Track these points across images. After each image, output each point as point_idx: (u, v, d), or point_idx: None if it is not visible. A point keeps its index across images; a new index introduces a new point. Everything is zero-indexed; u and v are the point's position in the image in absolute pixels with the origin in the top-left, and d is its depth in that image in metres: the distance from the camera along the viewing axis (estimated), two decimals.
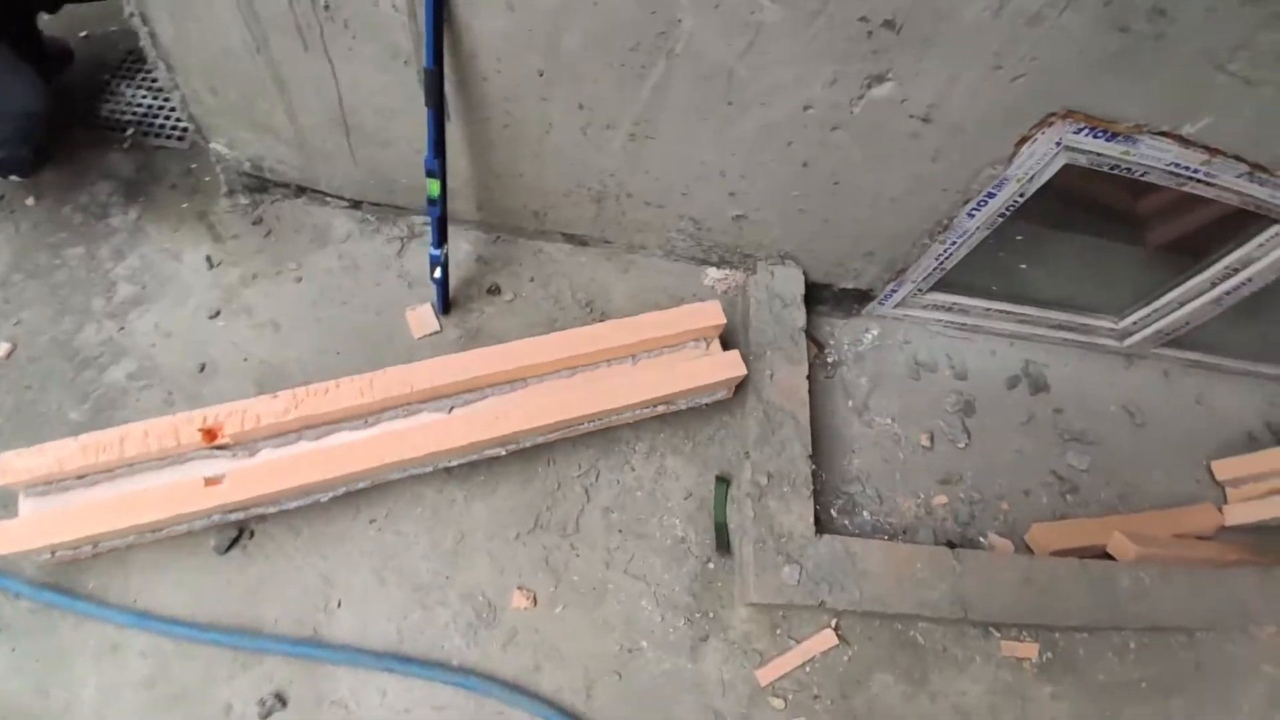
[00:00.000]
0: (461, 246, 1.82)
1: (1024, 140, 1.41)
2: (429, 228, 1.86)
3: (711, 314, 1.58)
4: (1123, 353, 2.18)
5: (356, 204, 1.82)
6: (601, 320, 1.68)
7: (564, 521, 1.52)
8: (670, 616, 1.46)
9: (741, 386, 1.66)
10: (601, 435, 1.61)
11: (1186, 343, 2.12)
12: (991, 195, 1.58)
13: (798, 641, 1.47)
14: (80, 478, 1.35)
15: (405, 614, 1.39)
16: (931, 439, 1.95)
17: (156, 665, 1.33)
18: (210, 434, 1.35)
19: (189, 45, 1.39)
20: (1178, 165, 1.42)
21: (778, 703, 1.42)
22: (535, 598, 1.43)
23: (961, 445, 1.96)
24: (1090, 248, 2.12)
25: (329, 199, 1.81)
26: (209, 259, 1.71)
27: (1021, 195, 1.58)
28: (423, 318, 1.70)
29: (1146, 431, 2.10)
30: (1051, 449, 2.02)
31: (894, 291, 1.96)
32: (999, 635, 1.57)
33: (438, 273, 1.60)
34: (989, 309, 2.06)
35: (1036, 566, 1.57)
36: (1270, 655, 1.74)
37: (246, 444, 1.39)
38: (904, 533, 1.78)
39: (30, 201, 1.70)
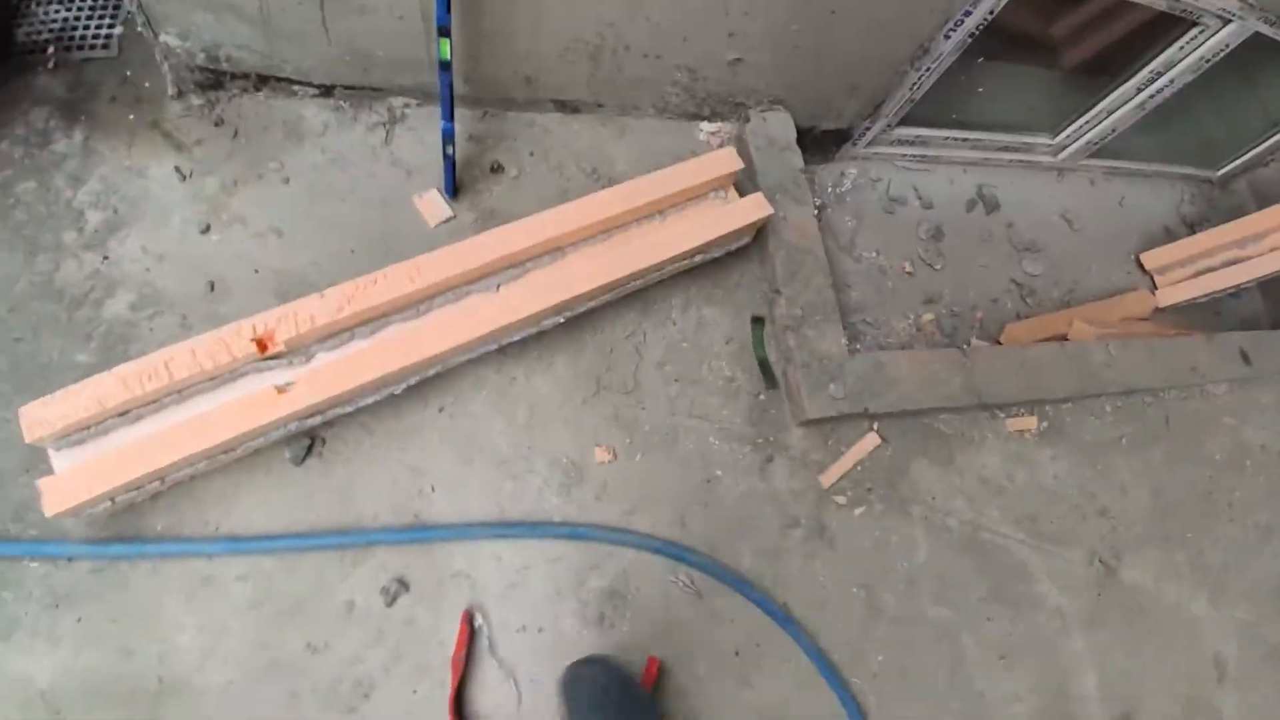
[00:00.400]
0: None
1: None
2: (409, 110, 1.75)
3: (729, 161, 1.62)
4: (1056, 167, 2.42)
5: (327, 90, 1.66)
6: (609, 186, 1.68)
7: (623, 381, 1.58)
8: (737, 446, 1.59)
9: (760, 232, 1.73)
10: (639, 298, 1.65)
11: (1108, 152, 2.37)
12: (968, 13, 1.67)
13: (847, 448, 1.65)
14: (122, 414, 1.26)
15: (498, 486, 1.44)
16: (912, 265, 2.13)
17: (259, 586, 1.31)
18: (262, 344, 1.29)
19: None
20: None
21: (840, 499, 1.61)
22: (615, 451, 1.51)
23: (938, 268, 2.16)
24: (1027, 74, 2.29)
25: (295, 87, 1.64)
26: (178, 170, 1.54)
27: (992, 12, 1.68)
28: (433, 204, 1.63)
29: (1082, 235, 2.38)
30: (1009, 260, 2.26)
31: (868, 129, 2.06)
32: (1003, 415, 1.82)
33: (450, 150, 1.53)
34: (946, 138, 2.22)
35: (1027, 353, 1.81)
36: (1228, 409, 2.08)
37: (302, 350, 1.34)
38: (902, 349, 1.98)
39: None
